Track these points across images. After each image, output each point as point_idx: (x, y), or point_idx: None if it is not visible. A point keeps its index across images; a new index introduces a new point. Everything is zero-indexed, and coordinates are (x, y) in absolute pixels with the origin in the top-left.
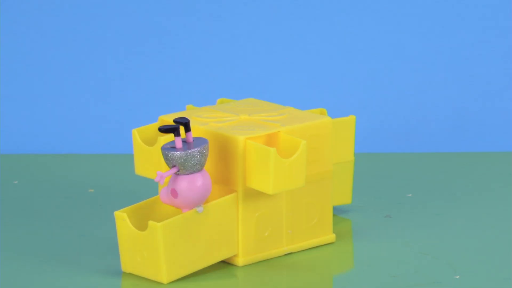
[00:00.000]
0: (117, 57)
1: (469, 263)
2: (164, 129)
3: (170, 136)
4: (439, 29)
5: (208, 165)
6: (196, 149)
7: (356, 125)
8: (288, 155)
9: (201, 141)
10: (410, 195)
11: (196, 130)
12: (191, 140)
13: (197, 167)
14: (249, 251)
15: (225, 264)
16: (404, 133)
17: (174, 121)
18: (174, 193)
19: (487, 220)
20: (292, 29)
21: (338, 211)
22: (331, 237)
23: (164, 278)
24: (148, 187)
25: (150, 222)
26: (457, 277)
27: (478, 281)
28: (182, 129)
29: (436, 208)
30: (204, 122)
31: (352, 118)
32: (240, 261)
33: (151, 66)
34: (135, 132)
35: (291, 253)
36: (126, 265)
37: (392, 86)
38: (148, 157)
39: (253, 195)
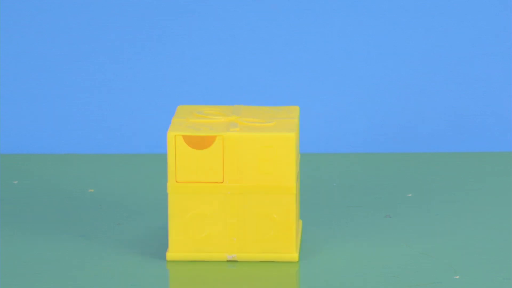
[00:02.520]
0: (117, 57)
1: (469, 263)
2: None
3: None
4: (439, 29)
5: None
6: None
7: (356, 125)
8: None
9: None
10: (410, 195)
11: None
12: None
13: None
14: (178, 248)
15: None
16: (404, 133)
17: None
18: None
19: (487, 220)
20: (291, 29)
21: (337, 210)
22: (292, 256)
23: None
24: (149, 187)
25: None
26: (457, 277)
27: (478, 281)
28: None
29: (436, 208)
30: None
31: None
32: (169, 256)
33: (151, 66)
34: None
35: (236, 261)
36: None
37: (392, 86)
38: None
39: (182, 193)
